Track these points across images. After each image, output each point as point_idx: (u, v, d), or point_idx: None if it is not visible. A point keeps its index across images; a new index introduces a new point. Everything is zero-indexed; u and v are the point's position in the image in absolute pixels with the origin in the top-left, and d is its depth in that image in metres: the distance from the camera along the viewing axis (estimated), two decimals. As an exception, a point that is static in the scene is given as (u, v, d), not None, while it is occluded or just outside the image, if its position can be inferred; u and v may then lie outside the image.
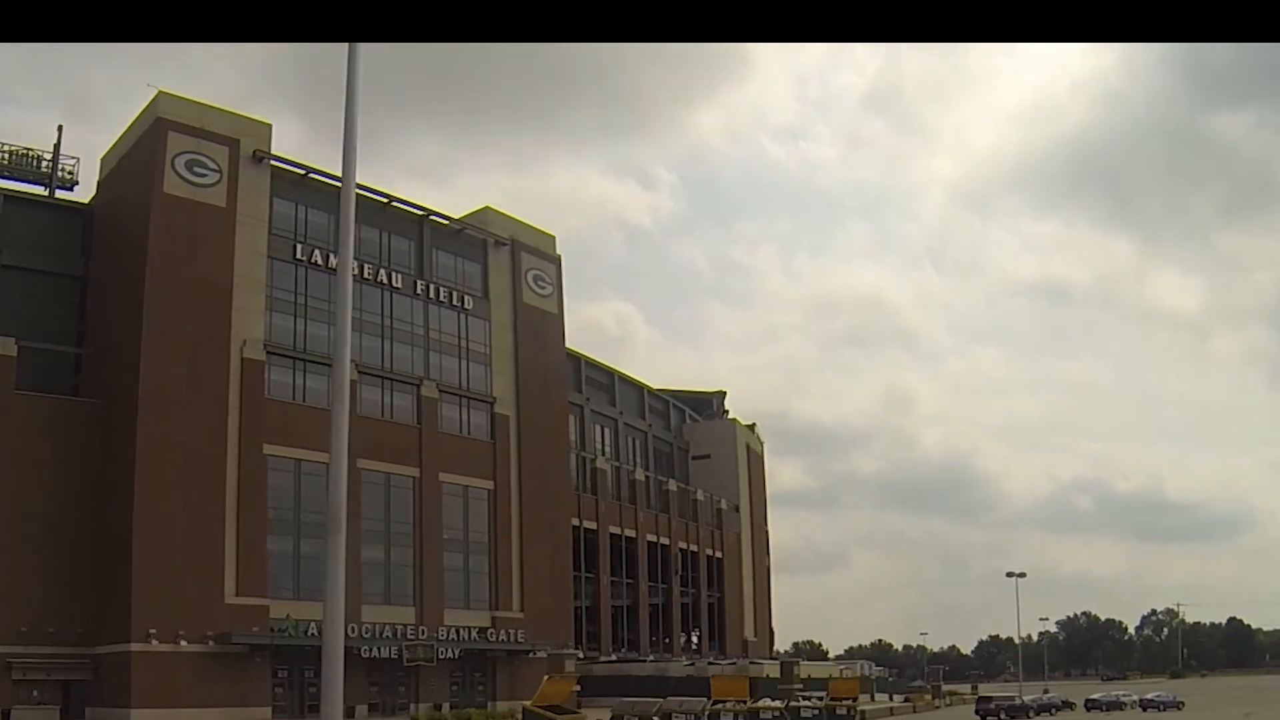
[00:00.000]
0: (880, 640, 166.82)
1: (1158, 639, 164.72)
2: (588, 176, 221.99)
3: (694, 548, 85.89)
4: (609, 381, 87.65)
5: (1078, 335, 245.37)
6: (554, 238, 70.11)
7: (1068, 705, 71.95)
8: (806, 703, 45.21)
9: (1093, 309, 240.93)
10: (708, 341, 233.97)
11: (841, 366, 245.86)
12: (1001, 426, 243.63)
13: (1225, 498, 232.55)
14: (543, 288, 67.14)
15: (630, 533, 77.62)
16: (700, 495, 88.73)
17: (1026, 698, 69.85)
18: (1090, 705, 69.50)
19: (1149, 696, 68.97)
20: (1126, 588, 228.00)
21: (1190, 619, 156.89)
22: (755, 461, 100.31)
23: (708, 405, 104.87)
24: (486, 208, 67.02)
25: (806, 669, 63.39)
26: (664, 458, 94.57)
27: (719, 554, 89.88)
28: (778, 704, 44.51)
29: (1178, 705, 66.76)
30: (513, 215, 67.78)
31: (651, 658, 74.70)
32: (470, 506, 60.09)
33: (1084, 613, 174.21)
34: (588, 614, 72.60)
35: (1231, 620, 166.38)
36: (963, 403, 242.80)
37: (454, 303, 61.85)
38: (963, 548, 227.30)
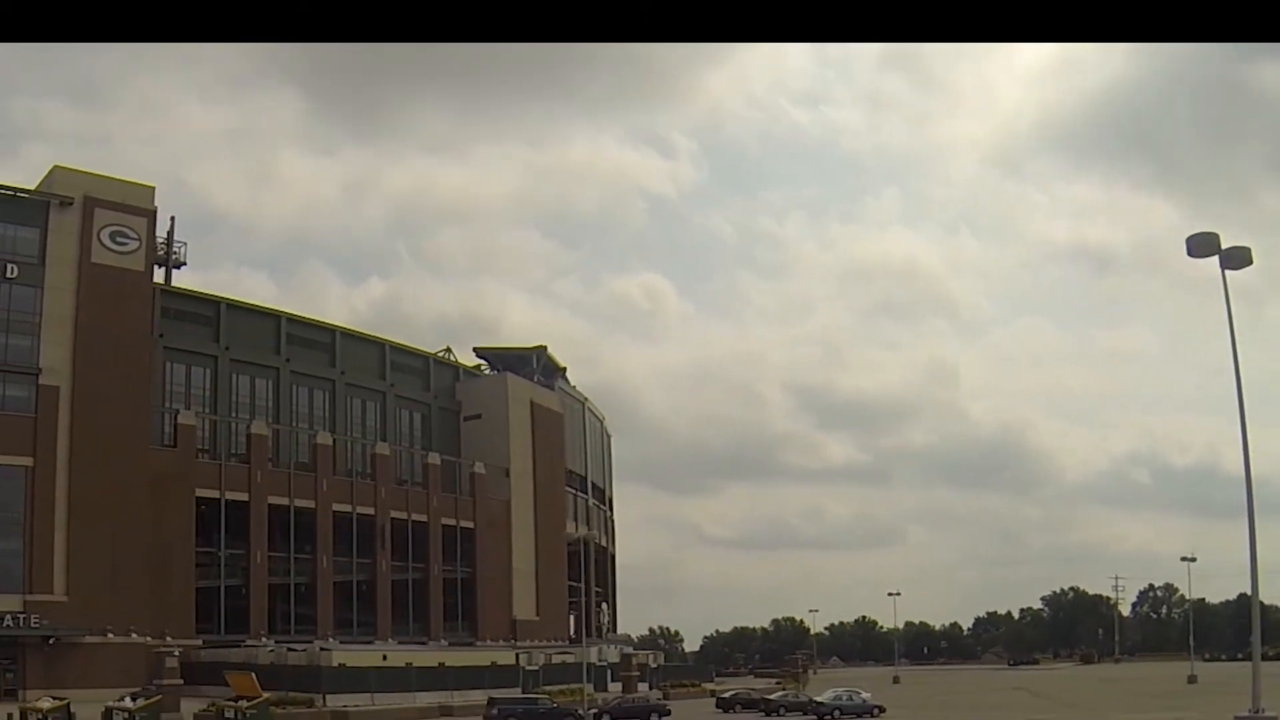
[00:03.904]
0: (864, 617, 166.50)
1: (1155, 616, 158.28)
2: (606, 146, 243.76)
3: (422, 517, 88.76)
4: (329, 340, 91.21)
5: (1124, 302, 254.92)
6: (151, 189, 74.04)
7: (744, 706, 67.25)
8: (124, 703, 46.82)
9: (1138, 274, 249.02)
10: (743, 314, 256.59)
11: (881, 337, 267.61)
12: (1051, 398, 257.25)
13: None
14: (123, 244, 71.05)
15: (306, 503, 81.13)
16: (434, 459, 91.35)
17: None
18: (772, 709, 65.14)
19: (821, 699, 63.30)
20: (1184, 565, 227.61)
21: (1197, 595, 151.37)
22: (547, 420, 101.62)
23: (526, 363, 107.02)
24: (56, 167, 71.51)
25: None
26: (425, 421, 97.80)
27: (469, 524, 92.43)
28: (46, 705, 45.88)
29: (871, 712, 60.74)
30: (89, 170, 72.13)
31: (332, 641, 78.53)
32: (-1, 485, 65.19)
33: (1072, 588, 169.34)
34: (231, 593, 76.98)
35: (1242, 597, 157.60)
36: (1009, 374, 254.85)
37: (-7, 272, 66.68)
38: (1019, 523, 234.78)
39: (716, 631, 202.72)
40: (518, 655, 76.73)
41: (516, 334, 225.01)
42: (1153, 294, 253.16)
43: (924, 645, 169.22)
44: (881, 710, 60.84)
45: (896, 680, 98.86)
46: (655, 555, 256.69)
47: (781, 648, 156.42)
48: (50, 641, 63.23)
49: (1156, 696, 71.90)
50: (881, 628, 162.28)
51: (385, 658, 68.95)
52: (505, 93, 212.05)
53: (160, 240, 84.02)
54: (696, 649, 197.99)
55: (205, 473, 76.20)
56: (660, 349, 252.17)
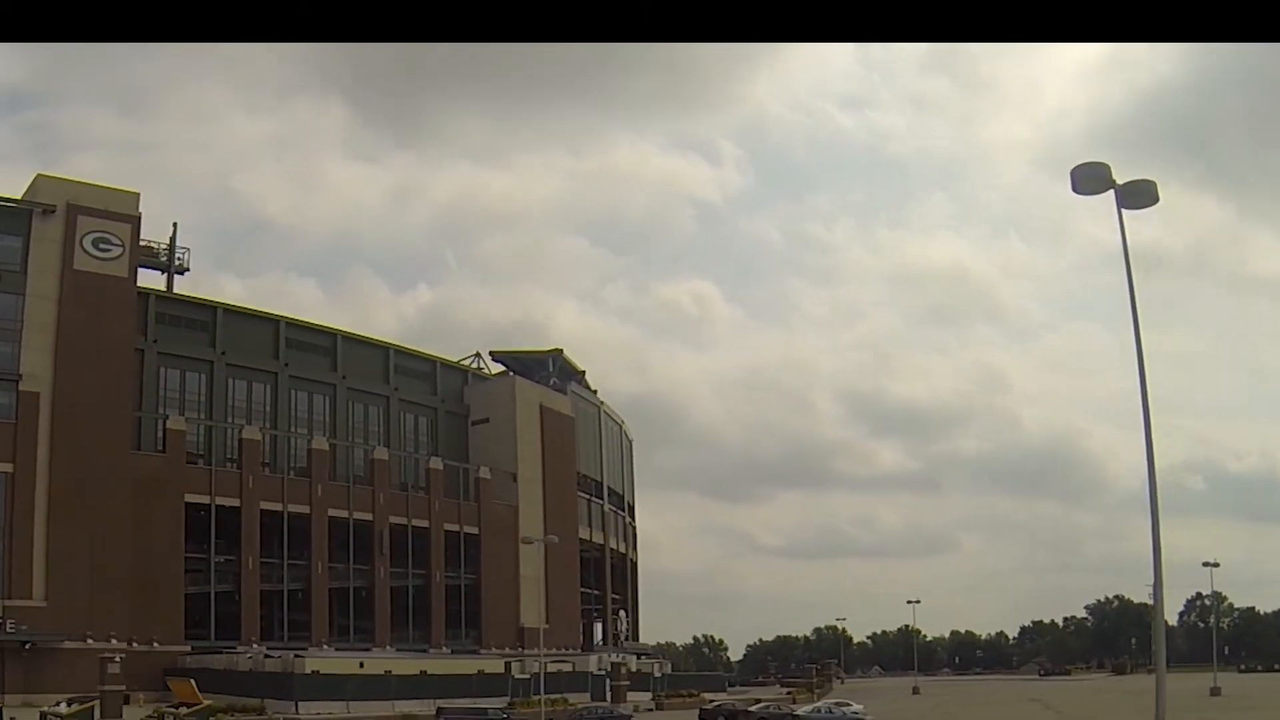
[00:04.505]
0: (907, 625, 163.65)
1: (1202, 625, 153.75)
2: (650, 151, 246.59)
3: (423, 523, 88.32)
4: (330, 344, 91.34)
5: (1175, 306, 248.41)
6: (136, 195, 74.58)
7: None
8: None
9: (1189, 276, 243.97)
10: (791, 320, 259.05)
11: (931, 343, 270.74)
12: (1103, 404, 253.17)
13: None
14: (106, 250, 71.67)
15: (301, 509, 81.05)
16: (435, 464, 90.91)
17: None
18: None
19: (799, 712, 61.64)
20: (1241, 573, 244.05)
21: (1245, 604, 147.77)
22: (558, 424, 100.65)
23: (542, 366, 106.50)
24: (39, 175, 72.65)
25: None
26: (432, 426, 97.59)
27: (473, 530, 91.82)
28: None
29: None
30: (71, 178, 73.20)
31: (327, 648, 78.51)
32: (-21, 491, 65.95)
33: (1116, 596, 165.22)
34: (223, 599, 77.15)
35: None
36: (1061, 379, 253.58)
37: (-26, 281, 67.70)
38: (1073, 531, 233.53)
39: (759, 640, 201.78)
40: (508, 664, 75.79)
41: (565, 341, 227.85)
42: (1204, 296, 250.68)
43: (967, 654, 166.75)
44: None
45: (916, 691, 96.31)
46: (707, 564, 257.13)
47: (823, 656, 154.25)
48: (27, 647, 63.73)
49: (1175, 710, 68.55)
50: (925, 636, 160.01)
51: (362, 665, 68.52)
52: (546, 99, 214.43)
53: (161, 246, 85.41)
54: (741, 657, 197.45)
55: (196, 478, 76.47)
56: (710, 355, 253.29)
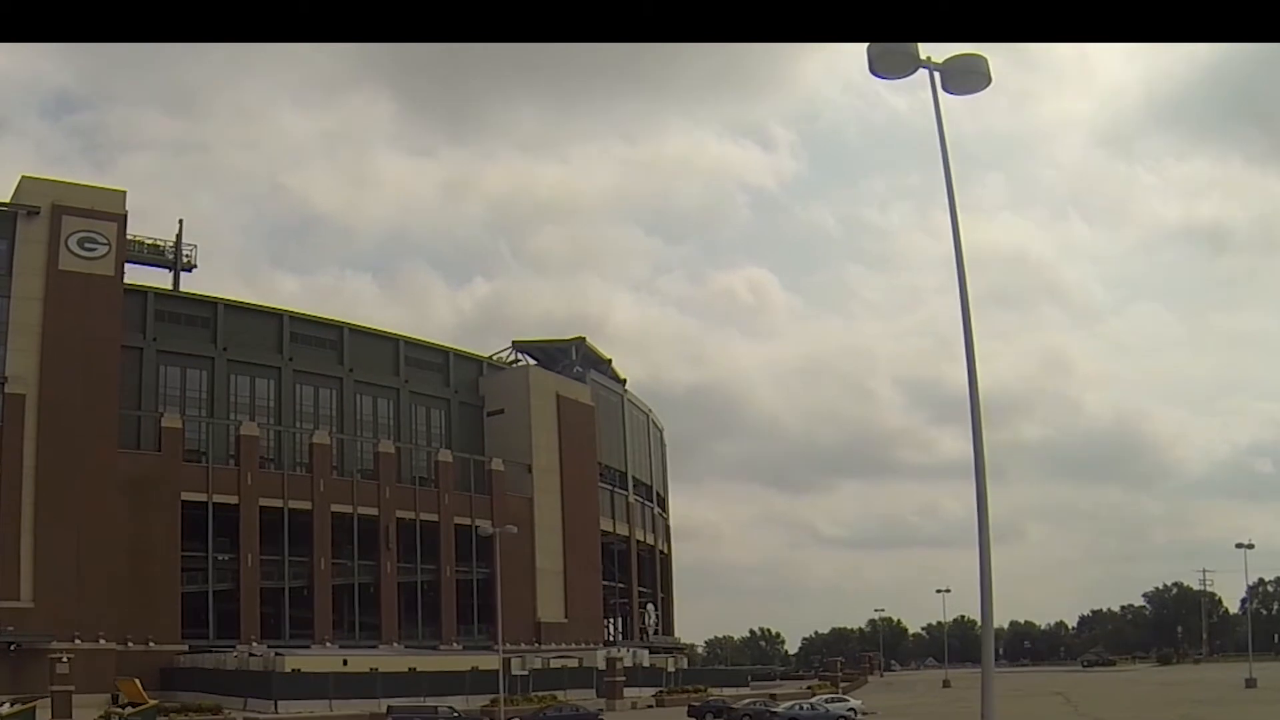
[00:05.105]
0: (963, 616, 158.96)
1: (1265, 612, 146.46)
2: (702, 139, 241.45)
3: (432, 517, 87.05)
4: (336, 338, 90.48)
5: (1242, 284, 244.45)
6: (122, 194, 74.53)
7: None
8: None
9: (1256, 253, 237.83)
10: (850, 306, 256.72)
11: (992, 328, 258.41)
12: (1169, 387, 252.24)
13: None
14: (92, 250, 71.52)
15: (303, 504, 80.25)
16: (444, 456, 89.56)
17: None
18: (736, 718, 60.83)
19: (776, 709, 59.25)
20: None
21: None
22: (576, 413, 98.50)
23: (565, 355, 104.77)
24: (24, 177, 72.78)
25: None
26: (446, 418, 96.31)
27: (486, 523, 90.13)
28: None
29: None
30: (56, 178, 73.26)
31: (330, 645, 77.76)
32: (-37, 493, 66.11)
33: (1175, 583, 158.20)
34: (223, 598, 76.65)
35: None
36: (1125, 363, 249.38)
37: (-42, 283, 67.97)
38: (1140, 518, 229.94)
39: (815, 633, 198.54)
40: (508, 660, 74.05)
41: (622, 332, 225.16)
42: (1272, 273, 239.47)
43: (1020, 645, 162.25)
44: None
45: (946, 684, 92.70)
46: (769, 555, 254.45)
47: (872, 650, 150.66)
48: (13, 648, 63.68)
49: (1197, 704, 64.72)
50: (978, 627, 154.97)
51: (346, 663, 67.41)
52: (597, 88, 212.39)
53: (168, 244, 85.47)
54: (797, 650, 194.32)
55: (192, 476, 76.03)
56: (768, 344, 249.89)
